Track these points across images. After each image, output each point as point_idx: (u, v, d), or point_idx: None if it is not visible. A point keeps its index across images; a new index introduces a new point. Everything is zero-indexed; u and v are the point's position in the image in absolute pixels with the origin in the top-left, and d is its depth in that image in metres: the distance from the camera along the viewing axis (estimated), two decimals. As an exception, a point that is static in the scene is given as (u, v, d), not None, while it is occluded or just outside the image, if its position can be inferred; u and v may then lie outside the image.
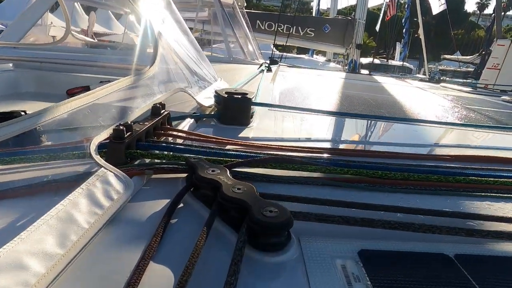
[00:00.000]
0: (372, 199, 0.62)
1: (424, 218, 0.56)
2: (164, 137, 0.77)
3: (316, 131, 1.05)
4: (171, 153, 0.69)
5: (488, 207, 0.63)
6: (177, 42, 1.13)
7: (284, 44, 6.95)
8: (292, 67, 4.24)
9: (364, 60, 19.21)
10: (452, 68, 21.27)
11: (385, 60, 19.01)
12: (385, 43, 21.00)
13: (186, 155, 0.67)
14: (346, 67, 8.34)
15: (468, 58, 19.71)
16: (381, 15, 20.18)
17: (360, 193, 0.64)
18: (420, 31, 12.19)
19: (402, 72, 17.02)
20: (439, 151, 0.99)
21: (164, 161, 0.65)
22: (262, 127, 1.00)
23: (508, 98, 2.37)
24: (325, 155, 0.80)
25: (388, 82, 3.26)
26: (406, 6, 16.00)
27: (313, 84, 2.27)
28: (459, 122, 1.41)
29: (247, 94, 0.98)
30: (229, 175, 0.54)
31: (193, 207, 0.54)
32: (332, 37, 7.50)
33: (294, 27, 7.37)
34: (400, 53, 18.43)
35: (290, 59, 9.32)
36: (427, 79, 3.77)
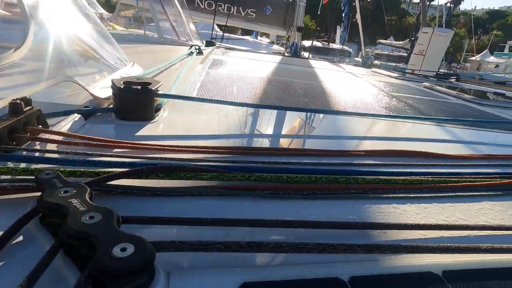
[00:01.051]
0: (273, 210, 0.55)
1: (324, 233, 0.51)
2: (30, 142, 0.62)
3: (229, 126, 0.95)
4: (30, 165, 0.54)
5: (394, 211, 0.60)
6: (64, 18, 0.94)
7: (225, 24, 6.74)
8: (230, 49, 4.08)
9: (307, 43, 19.68)
10: (386, 52, 22.73)
11: (327, 43, 19.62)
12: (326, 27, 21.62)
13: (47, 166, 0.53)
14: (289, 50, 8.36)
15: (399, 43, 21.21)
16: (322, -2, 20.56)
17: (262, 203, 0.56)
18: (358, 16, 12.71)
19: (342, 55, 17.75)
20: (355, 145, 0.96)
21: (12, 177, 0.51)
22: (168, 123, 0.88)
23: (428, 84, 2.51)
24: (232, 155, 0.71)
25: (322, 67, 3.28)
26: (345, -9, 16.49)
27: (243, 69, 2.16)
28: (380, 111, 1.42)
29: (150, 83, 0.85)
30: (86, 197, 0.42)
31: (38, 239, 0.42)
32: (273, 19, 7.43)
33: (235, 7, 7.14)
34: (340, 36, 19.12)
35: (233, 40, 9.09)
36: (360, 64, 3.90)
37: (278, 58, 3.78)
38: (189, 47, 2.43)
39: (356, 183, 0.65)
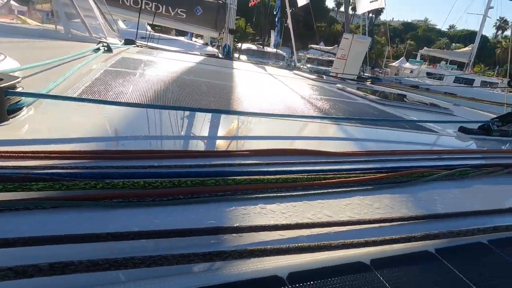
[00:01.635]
0: (120, 221, 0.49)
1: (170, 242, 0.46)
2: None
3: (104, 129, 0.86)
4: None
5: (260, 212, 0.58)
6: None
7: (152, 23, 6.46)
8: (152, 49, 3.88)
9: (244, 46, 19.95)
10: (317, 57, 24.12)
11: (262, 46, 20.06)
12: (261, 30, 22.16)
13: None
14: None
15: (328, 48, 22.65)
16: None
17: (107, 214, 0.50)
18: (289, 21, 13.11)
19: (276, 59, 18.32)
20: (242, 146, 0.94)
21: None
22: (25, 125, 0.76)
23: (341, 86, 2.65)
24: (91, 160, 0.63)
25: (244, 69, 3.25)
26: (277, -4, 16.99)
27: (152, 69, 2.02)
28: (283, 111, 1.42)
29: (0, 79, 0.72)
30: None
31: None
32: (204, 20, 7.34)
33: (164, 6, 6.88)
34: (274, 40, 19.72)
35: (165, 40, 8.75)
36: (284, 66, 3.97)
37: (200, 58, 3.70)
38: (96, 44, 2.23)
39: (226, 185, 0.61)
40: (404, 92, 3.28)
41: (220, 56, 7.92)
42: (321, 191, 0.67)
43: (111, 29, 3.40)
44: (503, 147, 1.52)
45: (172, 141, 0.88)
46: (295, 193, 0.65)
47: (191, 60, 3.18)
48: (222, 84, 1.95)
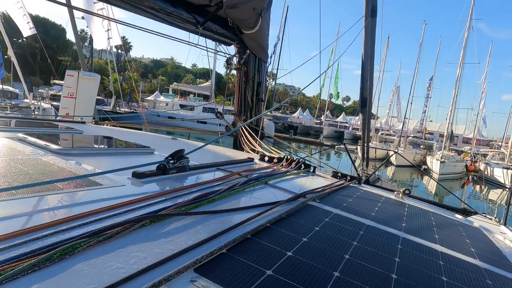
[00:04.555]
0: None
1: None
2: None
3: None
4: None
5: None
6: None
7: None
8: None
9: None
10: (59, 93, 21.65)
11: (-22, 82, 15.73)
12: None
13: None
14: None
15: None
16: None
17: None
18: (10, 53, 10.97)
19: (4, 97, 14.84)
20: None
21: None
22: None
23: (22, 136, 1.96)
24: None
25: None
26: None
27: None
28: None
29: None
30: None
31: None
32: None
33: None
34: (-4, 75, 15.93)
35: None
36: None
37: None
38: None
39: None
40: (116, 130, 3.09)
41: None
42: None
43: None
44: (182, 184, 1.40)
45: None
46: None
47: None
48: None
